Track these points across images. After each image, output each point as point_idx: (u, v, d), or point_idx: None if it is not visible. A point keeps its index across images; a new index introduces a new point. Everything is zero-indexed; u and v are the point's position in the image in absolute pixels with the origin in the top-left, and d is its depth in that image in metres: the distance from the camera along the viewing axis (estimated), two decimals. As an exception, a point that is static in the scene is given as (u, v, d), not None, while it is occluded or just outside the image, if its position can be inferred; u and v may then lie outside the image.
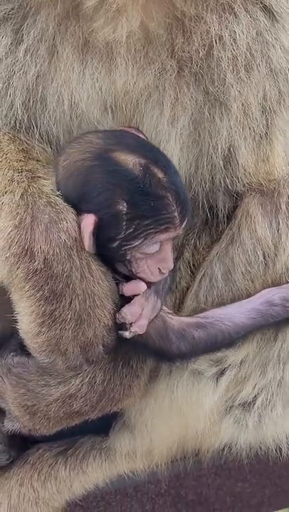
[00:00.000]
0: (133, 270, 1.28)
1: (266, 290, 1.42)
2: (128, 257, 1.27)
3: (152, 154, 1.30)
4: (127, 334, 1.28)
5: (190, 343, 1.34)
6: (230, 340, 1.38)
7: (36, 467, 1.55)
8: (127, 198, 1.24)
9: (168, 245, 1.29)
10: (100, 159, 1.27)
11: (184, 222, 1.29)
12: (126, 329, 1.30)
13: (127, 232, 1.24)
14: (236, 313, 1.38)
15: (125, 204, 1.23)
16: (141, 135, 1.37)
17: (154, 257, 1.28)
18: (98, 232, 1.24)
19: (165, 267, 1.30)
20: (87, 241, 1.22)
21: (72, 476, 1.57)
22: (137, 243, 1.24)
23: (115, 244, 1.25)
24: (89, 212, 1.23)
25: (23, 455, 1.56)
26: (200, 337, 1.34)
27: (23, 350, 1.41)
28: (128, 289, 1.28)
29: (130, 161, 1.26)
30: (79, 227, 1.27)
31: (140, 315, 1.32)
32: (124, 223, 1.24)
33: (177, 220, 1.26)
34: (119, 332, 1.31)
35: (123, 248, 1.25)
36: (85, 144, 1.33)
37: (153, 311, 1.34)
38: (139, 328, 1.29)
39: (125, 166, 1.26)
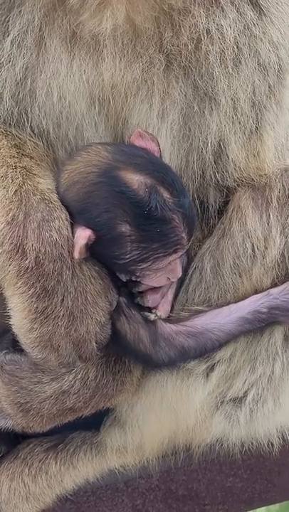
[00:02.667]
0: (141, 281, 1.32)
1: (254, 297, 1.45)
2: (137, 274, 1.31)
3: (160, 174, 1.32)
4: (152, 317, 1.33)
5: (179, 350, 1.39)
6: (218, 346, 1.43)
7: (27, 462, 1.56)
8: (130, 220, 1.26)
9: (177, 259, 1.32)
10: (105, 176, 1.29)
11: (192, 238, 1.33)
12: (151, 313, 1.34)
13: (134, 254, 1.28)
14: (225, 323, 1.43)
15: (128, 226, 1.25)
16: (153, 144, 1.37)
17: (163, 269, 1.32)
18: (100, 248, 1.28)
19: (174, 276, 1.35)
20: (77, 251, 1.25)
21: (62, 471, 1.58)
22: (145, 265, 1.29)
23: (121, 262, 1.29)
24: (88, 227, 1.25)
25: (14, 450, 1.57)
26: (190, 346, 1.39)
27: (15, 347, 1.44)
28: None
29: (136, 181, 1.28)
30: (73, 233, 1.29)
31: (163, 301, 1.38)
32: (128, 245, 1.27)
33: (185, 240, 1.30)
34: (145, 313, 1.35)
35: (131, 267, 1.30)
36: (93, 154, 1.34)
37: (171, 300, 1.41)
38: (164, 312, 1.37)
39: (131, 187, 1.27)
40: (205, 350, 1.42)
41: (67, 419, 1.46)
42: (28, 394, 1.42)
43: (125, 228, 1.26)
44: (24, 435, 1.55)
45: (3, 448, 1.56)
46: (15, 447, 1.58)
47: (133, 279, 1.33)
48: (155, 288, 1.36)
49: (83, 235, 1.25)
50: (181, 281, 1.48)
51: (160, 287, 1.38)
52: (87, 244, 1.25)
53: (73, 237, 1.30)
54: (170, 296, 1.44)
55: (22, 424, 1.46)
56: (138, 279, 1.33)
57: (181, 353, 1.41)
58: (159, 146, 1.40)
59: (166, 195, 1.29)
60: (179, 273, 1.37)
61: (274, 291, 1.46)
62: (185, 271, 1.49)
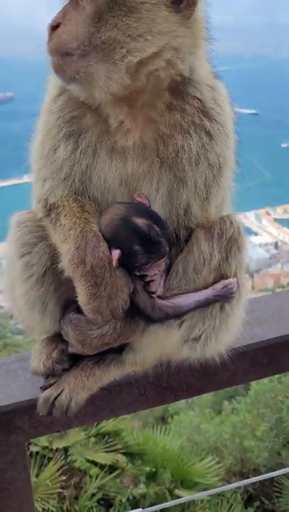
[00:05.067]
0: (144, 273, 2.05)
1: (206, 291, 2.13)
2: (143, 270, 2.03)
3: (152, 217, 2.03)
4: (154, 296, 2.06)
5: (165, 314, 2.10)
6: (184, 313, 2.14)
7: (84, 369, 2.22)
8: (140, 243, 1.98)
9: (163, 261, 2.07)
10: (123, 221, 2.01)
11: (169, 250, 2.06)
12: (154, 293, 2.06)
13: (143, 261, 2.00)
14: (189, 302, 2.12)
15: (138, 246, 1.98)
16: (146, 200, 2.07)
17: (156, 266, 2.05)
18: (125, 259, 1.99)
19: (160, 269, 2.07)
20: (115, 262, 1.99)
21: (102, 374, 2.22)
22: (148, 265, 2.03)
23: (137, 265, 2.01)
24: (117, 248, 2.00)
25: (77, 363, 2.24)
26: (170, 312, 2.10)
27: (78, 311, 2.12)
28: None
29: (141, 222, 2.00)
30: (110, 252, 2.00)
31: (159, 288, 2.08)
32: (139, 256, 1.99)
33: (167, 250, 2.03)
34: (151, 294, 2.05)
35: (142, 267, 2.02)
36: (116, 209, 2.05)
37: (161, 284, 2.09)
38: (160, 293, 2.08)
39: (138, 225, 1.99)
40: (178, 315, 2.15)
41: (105, 348, 2.15)
42: (84, 335, 2.11)
43: (137, 247, 2.00)
44: (81, 356, 2.21)
45: (71, 362, 2.25)
46: (76, 362, 2.24)
47: (141, 273, 2.06)
48: (154, 280, 2.08)
49: (116, 252, 1.99)
50: (166, 278, 2.15)
51: (157, 280, 2.08)
52: (118, 258, 2.00)
53: (111, 254, 2.00)
54: (162, 285, 2.12)
55: (80, 350, 2.17)
56: (143, 273, 2.06)
57: (166, 315, 2.12)
58: (148, 200, 2.08)
59: (156, 228, 2.02)
60: (163, 267, 2.09)
61: (216, 286, 2.15)
62: (168, 269, 2.15)
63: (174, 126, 2.02)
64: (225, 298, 2.16)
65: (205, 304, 2.15)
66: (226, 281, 2.14)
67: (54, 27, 1.90)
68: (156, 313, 2.11)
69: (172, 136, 2.04)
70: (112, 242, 2.02)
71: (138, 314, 2.11)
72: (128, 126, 2.00)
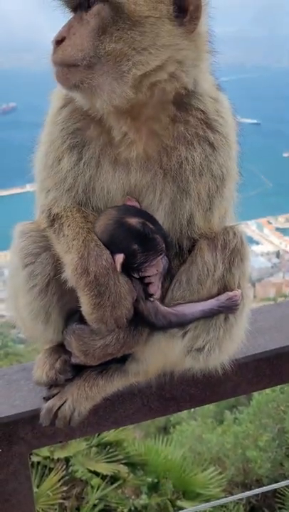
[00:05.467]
0: (143, 274, 2.05)
1: (211, 301, 2.13)
2: (142, 270, 2.03)
3: (144, 215, 2.04)
4: (152, 298, 2.06)
5: (168, 322, 2.09)
6: (189, 322, 2.13)
7: (87, 379, 2.22)
8: (137, 242, 1.99)
9: (160, 259, 2.07)
10: (117, 223, 2.02)
11: (166, 246, 2.06)
12: (152, 296, 2.06)
13: (141, 260, 2.01)
14: (194, 311, 2.12)
15: (136, 246, 1.99)
16: (136, 203, 2.07)
17: (154, 265, 2.06)
18: (126, 261, 1.99)
19: (159, 269, 2.07)
20: (118, 267, 1.99)
21: (105, 384, 2.22)
22: (146, 264, 2.02)
23: (135, 265, 2.02)
24: (120, 252, 2.00)
25: (80, 374, 2.23)
26: (173, 320, 2.10)
27: (81, 321, 2.13)
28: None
29: (134, 221, 2.00)
30: (113, 259, 2.00)
31: (157, 291, 2.08)
32: (138, 255, 2.00)
33: (163, 247, 2.04)
34: (151, 298, 2.05)
35: (140, 267, 2.02)
36: (108, 214, 2.05)
37: (159, 287, 2.08)
38: (157, 296, 2.08)
39: (132, 224, 2.00)
40: (182, 323, 2.14)
41: (108, 358, 2.15)
42: (87, 345, 2.11)
43: (135, 247, 2.00)
44: (84, 366, 2.22)
45: (74, 373, 2.25)
46: (79, 372, 2.24)
47: (140, 274, 2.05)
48: (152, 282, 2.07)
49: (120, 256, 2.00)
50: (166, 289, 2.15)
51: (155, 282, 2.08)
52: (123, 263, 2.00)
53: (114, 260, 2.00)
54: (160, 287, 2.11)
55: (84, 361, 2.17)
56: (142, 274, 2.05)
57: (169, 323, 2.12)
58: (139, 203, 2.08)
59: (150, 225, 2.02)
60: (161, 267, 2.09)
61: (221, 297, 2.15)
62: (167, 271, 2.13)
63: (177, 138, 2.04)
64: (229, 309, 2.16)
65: (209, 314, 2.16)
66: (230, 293, 2.14)
67: (59, 41, 1.92)
68: (160, 321, 2.11)
69: (176, 148, 2.05)
70: (110, 247, 2.04)
71: (141, 322, 2.11)
72: (132, 139, 2.01)
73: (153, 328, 2.13)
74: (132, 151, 2.04)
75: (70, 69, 1.90)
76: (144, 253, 2.02)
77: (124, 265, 2.03)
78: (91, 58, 1.86)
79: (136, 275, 2.07)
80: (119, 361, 2.25)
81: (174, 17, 1.86)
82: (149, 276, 2.08)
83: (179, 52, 1.90)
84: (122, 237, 2.02)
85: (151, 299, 2.09)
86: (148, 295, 2.09)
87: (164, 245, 2.06)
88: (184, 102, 2.03)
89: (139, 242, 2.01)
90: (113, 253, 2.04)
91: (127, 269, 2.05)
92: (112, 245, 2.03)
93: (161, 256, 2.07)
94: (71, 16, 1.96)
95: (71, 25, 1.92)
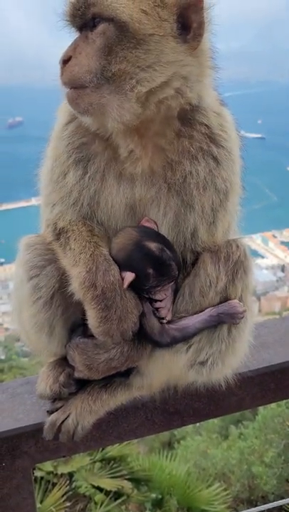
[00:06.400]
0: (152, 296, 2.06)
1: (209, 308, 2.13)
2: (152, 293, 2.05)
3: (163, 241, 2.06)
4: (163, 321, 2.08)
5: (172, 338, 2.09)
6: (192, 335, 2.13)
7: (90, 393, 2.22)
8: (153, 266, 2.01)
9: (170, 284, 2.09)
10: (136, 245, 2.03)
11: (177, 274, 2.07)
12: (163, 319, 2.08)
13: (153, 284, 2.02)
14: (195, 322, 2.12)
15: (152, 270, 2.00)
16: (154, 225, 2.08)
17: (163, 291, 2.07)
18: (137, 281, 2.00)
19: (167, 294, 2.09)
20: (126, 284, 1.99)
21: (109, 398, 2.22)
22: (158, 288, 2.04)
23: (146, 287, 2.03)
24: (131, 271, 2.01)
25: (84, 387, 2.23)
26: (177, 336, 2.11)
27: (84, 335, 2.14)
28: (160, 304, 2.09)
29: (153, 246, 2.02)
30: (121, 275, 2.00)
31: (167, 312, 2.10)
32: (151, 279, 2.01)
33: (176, 274, 2.05)
34: (161, 320, 2.06)
35: (150, 290, 2.04)
36: (128, 234, 2.07)
37: (170, 310, 2.11)
38: (168, 318, 2.09)
39: (151, 249, 2.02)
40: (185, 338, 2.13)
41: (112, 372, 2.15)
42: (91, 359, 2.11)
43: (150, 270, 2.01)
44: (88, 380, 2.21)
45: (78, 386, 2.24)
46: (83, 386, 2.24)
47: (150, 296, 2.07)
48: (162, 307, 2.09)
49: (130, 275, 2.01)
50: (173, 303, 2.15)
51: (166, 306, 2.10)
52: (132, 282, 2.01)
53: (123, 277, 2.00)
54: (171, 310, 2.13)
55: (87, 375, 2.17)
56: (151, 296, 2.07)
57: (173, 339, 2.12)
58: (157, 225, 2.10)
59: (168, 252, 2.04)
60: (170, 292, 2.10)
61: (221, 305, 2.14)
62: (175, 292, 2.16)
63: (182, 153, 2.06)
64: (230, 317, 2.14)
65: (211, 323, 2.15)
66: (232, 301, 2.14)
67: (65, 61, 1.95)
68: (164, 338, 2.11)
69: (180, 163, 2.07)
70: (125, 266, 2.04)
71: (146, 339, 2.12)
72: (138, 155, 2.03)
73: (157, 345, 2.13)
74: (138, 166, 2.06)
75: (79, 92, 1.93)
76: (157, 278, 2.03)
77: (132, 284, 2.04)
78: (98, 80, 1.89)
79: (146, 295, 2.09)
80: (123, 375, 2.24)
81: (178, 34, 1.89)
82: (157, 300, 2.10)
83: (184, 69, 1.93)
84: (139, 259, 2.03)
85: (163, 321, 2.10)
86: (159, 318, 2.11)
87: (177, 272, 2.08)
88: (189, 117, 2.05)
89: (155, 267, 2.02)
90: (124, 270, 2.04)
91: (137, 288, 2.06)
92: (127, 265, 2.04)
93: (173, 282, 2.09)
94: (77, 35, 1.99)
95: (77, 44, 1.95)
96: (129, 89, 1.87)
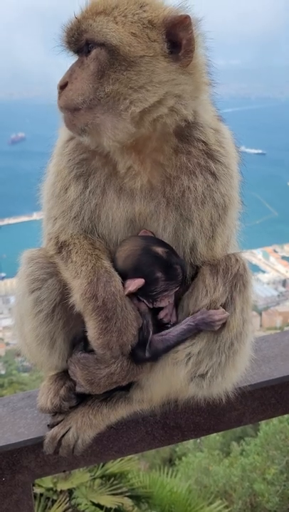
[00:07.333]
0: (156, 304, 2.08)
1: (187, 318, 2.13)
2: (158, 300, 2.07)
3: (168, 247, 2.10)
4: (168, 326, 2.12)
5: (154, 350, 2.10)
6: (173, 345, 2.13)
7: (91, 407, 2.23)
8: (161, 270, 2.04)
9: (175, 290, 2.12)
10: (144, 250, 2.06)
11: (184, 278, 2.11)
12: (169, 324, 2.12)
13: (162, 288, 2.05)
14: (175, 332, 2.14)
15: (160, 273, 2.03)
16: (152, 235, 2.12)
17: (168, 297, 2.10)
18: (144, 287, 2.03)
19: (171, 300, 2.12)
20: (133, 288, 2.02)
21: (109, 412, 2.23)
22: (166, 293, 2.07)
23: (153, 294, 2.05)
24: (140, 277, 2.04)
25: (84, 401, 2.24)
26: (159, 348, 2.11)
27: (85, 349, 2.15)
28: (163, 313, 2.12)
29: (160, 251, 2.06)
30: (128, 283, 2.02)
31: (172, 317, 2.14)
32: (160, 283, 2.04)
33: (182, 278, 2.09)
34: (166, 325, 2.11)
35: (157, 296, 2.06)
36: (133, 241, 2.10)
37: (172, 314, 2.14)
38: (173, 321, 2.14)
39: (159, 253, 2.06)
40: (166, 349, 2.13)
41: (113, 386, 2.15)
42: (92, 374, 2.12)
43: (159, 274, 2.04)
44: (89, 394, 2.22)
45: (78, 400, 2.24)
46: (84, 400, 2.25)
47: (154, 304, 2.08)
48: (167, 313, 2.12)
49: (139, 280, 2.03)
50: (177, 308, 2.18)
51: (169, 311, 2.13)
52: (140, 287, 2.03)
53: (130, 284, 2.02)
54: (174, 314, 2.17)
55: (89, 390, 2.17)
56: (156, 304, 2.08)
57: (155, 351, 2.12)
58: (154, 235, 2.13)
59: (175, 256, 2.08)
60: (173, 298, 2.14)
61: (197, 314, 2.13)
62: (176, 305, 2.18)
63: (180, 168, 2.08)
64: (207, 326, 2.13)
65: (189, 332, 2.15)
66: (208, 310, 2.13)
67: (62, 86, 2.02)
68: (148, 351, 2.12)
69: (178, 178, 2.10)
70: (134, 272, 2.06)
71: (132, 352, 2.11)
72: (136, 171, 2.07)
73: (138, 359, 2.12)
74: (137, 181, 2.09)
75: (74, 114, 2.01)
76: (165, 281, 2.06)
77: (138, 292, 2.05)
78: (91, 101, 1.96)
79: (149, 304, 2.10)
80: (124, 388, 2.24)
81: (169, 53, 1.94)
82: (160, 307, 2.12)
83: (176, 87, 1.96)
84: (148, 263, 2.05)
85: (169, 326, 2.14)
86: (163, 324, 2.13)
87: (182, 276, 2.11)
88: (186, 133, 2.08)
89: (164, 271, 2.05)
90: (132, 277, 2.06)
91: (144, 295, 2.08)
92: (135, 270, 2.07)
93: (178, 287, 2.11)
94: (75, 59, 2.05)
95: (73, 70, 2.03)
96: (122, 109, 1.93)
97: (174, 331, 2.15)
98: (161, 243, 2.11)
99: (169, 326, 2.13)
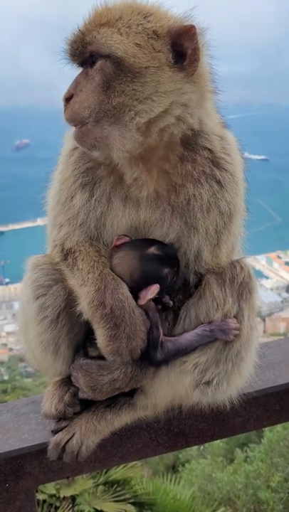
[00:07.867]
0: (164, 301, 2.11)
1: (202, 325, 2.14)
2: (173, 290, 2.10)
3: (153, 241, 2.12)
4: (170, 304, 2.15)
5: (165, 352, 2.10)
6: (185, 348, 2.13)
7: (95, 413, 2.23)
8: (165, 265, 2.07)
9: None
10: (142, 259, 2.09)
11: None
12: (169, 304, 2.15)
13: (172, 279, 2.08)
14: (188, 336, 2.14)
15: (165, 268, 2.05)
16: (128, 238, 2.13)
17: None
18: (161, 288, 2.04)
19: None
20: (152, 296, 2.03)
21: (113, 418, 2.23)
22: (174, 280, 2.08)
23: (170, 287, 2.07)
24: (152, 283, 2.04)
25: (88, 407, 2.25)
26: (171, 348, 2.11)
27: (87, 356, 2.16)
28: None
29: (153, 249, 2.08)
30: (143, 293, 2.04)
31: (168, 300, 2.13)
32: (169, 276, 2.06)
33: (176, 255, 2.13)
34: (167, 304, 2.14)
35: (172, 287, 2.08)
36: (126, 256, 2.11)
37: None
38: (170, 304, 2.15)
39: (155, 253, 2.08)
40: (177, 351, 2.13)
41: (116, 393, 2.16)
42: (95, 381, 2.12)
43: (165, 270, 2.06)
44: (92, 401, 2.23)
45: (82, 406, 2.25)
46: (87, 406, 2.26)
47: (171, 296, 2.11)
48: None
49: (155, 287, 2.04)
50: (173, 322, 2.20)
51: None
52: (157, 292, 2.04)
53: (148, 293, 2.03)
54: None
55: (91, 396, 2.17)
56: (174, 295, 2.12)
57: (167, 353, 2.12)
58: (129, 238, 2.13)
59: (162, 245, 2.10)
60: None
61: (215, 322, 2.14)
62: (177, 311, 2.21)
63: (185, 176, 2.09)
64: (223, 333, 2.14)
65: (204, 339, 2.15)
66: (228, 320, 2.15)
67: (68, 98, 2.02)
68: (161, 352, 2.12)
69: (184, 186, 2.11)
70: (145, 282, 2.07)
71: (143, 354, 2.10)
72: (143, 180, 2.08)
73: (152, 362, 2.12)
74: (143, 190, 2.10)
75: (82, 129, 2.01)
76: (172, 271, 2.09)
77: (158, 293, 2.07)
78: (97, 114, 1.96)
79: (168, 299, 2.13)
80: (128, 394, 2.24)
81: (174, 63, 1.94)
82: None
83: (182, 96, 1.97)
84: (153, 269, 2.06)
85: (170, 304, 2.17)
86: (165, 304, 2.16)
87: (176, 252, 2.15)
88: (191, 142, 2.08)
89: (167, 264, 2.08)
90: (145, 287, 2.07)
91: (162, 294, 2.10)
92: (145, 280, 2.07)
93: (177, 264, 2.16)
94: (79, 71, 2.06)
95: (78, 81, 2.02)
96: (128, 120, 1.93)
97: (186, 335, 2.15)
98: (147, 241, 2.12)
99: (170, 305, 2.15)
